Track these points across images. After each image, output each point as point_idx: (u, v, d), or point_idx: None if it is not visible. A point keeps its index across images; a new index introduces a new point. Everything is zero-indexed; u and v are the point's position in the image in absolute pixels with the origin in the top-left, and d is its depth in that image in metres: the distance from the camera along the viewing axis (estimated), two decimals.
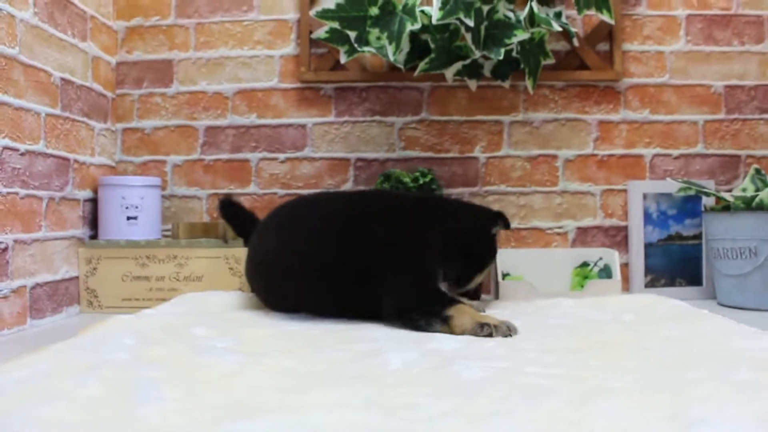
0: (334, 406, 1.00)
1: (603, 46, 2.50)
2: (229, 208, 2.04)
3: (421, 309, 1.59)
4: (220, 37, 2.56)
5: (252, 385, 1.16)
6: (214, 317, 1.81)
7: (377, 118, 2.48)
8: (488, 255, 1.89)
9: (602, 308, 1.99)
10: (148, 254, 2.20)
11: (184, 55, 2.57)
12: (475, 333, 1.52)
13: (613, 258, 2.34)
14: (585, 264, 2.42)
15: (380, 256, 1.68)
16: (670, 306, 1.96)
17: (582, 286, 2.38)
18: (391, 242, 1.70)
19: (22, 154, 1.98)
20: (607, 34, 2.48)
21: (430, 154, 2.46)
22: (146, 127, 2.58)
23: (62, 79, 2.20)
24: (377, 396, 1.06)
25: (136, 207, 2.29)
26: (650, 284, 2.44)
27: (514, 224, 2.49)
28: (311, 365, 1.28)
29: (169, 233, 2.43)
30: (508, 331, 1.53)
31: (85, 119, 2.34)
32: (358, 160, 2.50)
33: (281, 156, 2.52)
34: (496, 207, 2.50)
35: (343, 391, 1.10)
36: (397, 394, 1.07)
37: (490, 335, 1.50)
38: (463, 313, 1.57)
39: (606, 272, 2.39)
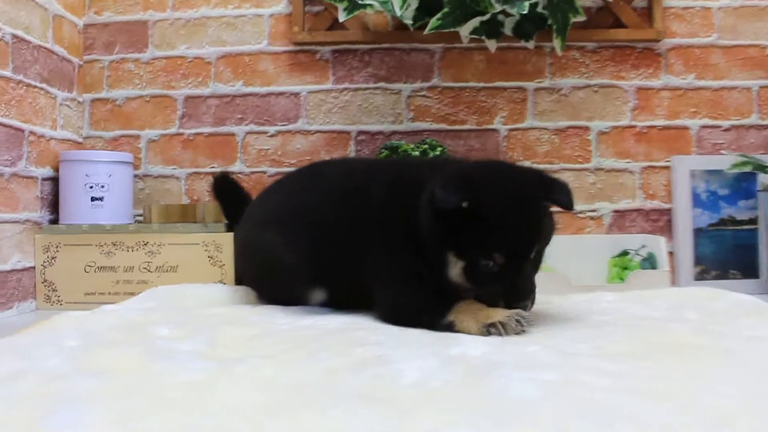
0: None
1: (640, 2, 2.19)
2: (225, 185, 1.71)
3: (414, 321, 1.28)
4: None
5: (217, 403, 0.84)
6: (185, 314, 1.49)
7: (382, 84, 2.20)
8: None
9: (652, 303, 1.69)
10: (114, 241, 1.88)
11: (161, 16, 2.26)
12: (483, 335, 1.21)
13: (659, 245, 2.02)
14: (624, 252, 2.10)
15: (366, 242, 1.36)
16: (735, 301, 1.67)
17: (622, 278, 2.06)
18: (376, 224, 1.36)
19: None
20: None
21: (442, 125, 2.15)
22: (117, 97, 2.26)
23: (13, 36, 1.88)
24: (390, 423, 0.74)
25: (102, 186, 1.97)
26: (699, 276, 2.11)
27: None
28: (300, 376, 0.96)
29: (141, 219, 2.10)
30: (519, 326, 1.22)
31: (44, 86, 2.02)
32: (360, 133, 2.19)
33: (271, 129, 2.21)
34: None
35: (341, 414, 0.78)
36: (418, 420, 0.75)
37: (499, 335, 1.21)
38: (464, 315, 1.26)
39: (650, 262, 2.07)
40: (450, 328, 1.25)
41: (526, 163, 2.19)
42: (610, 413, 0.79)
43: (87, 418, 0.79)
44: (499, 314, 1.23)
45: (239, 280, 1.83)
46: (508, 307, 1.20)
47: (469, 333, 1.23)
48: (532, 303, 1.28)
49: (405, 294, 1.33)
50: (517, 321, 1.21)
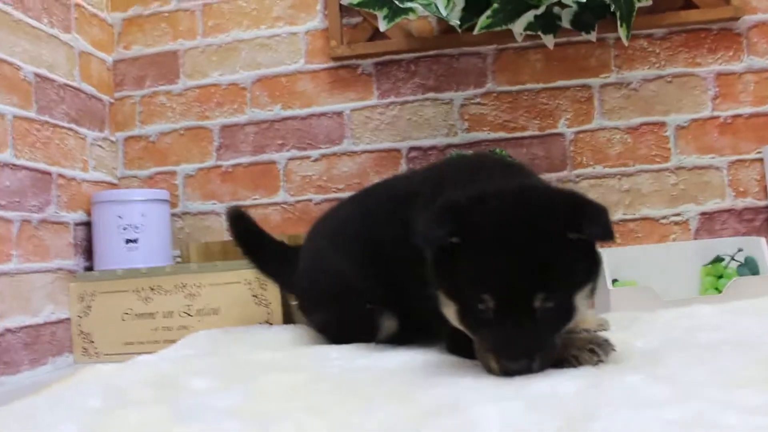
0: None
1: None
2: (240, 219, 1.54)
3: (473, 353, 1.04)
4: (231, 18, 2.14)
5: None
6: (224, 361, 1.32)
7: (431, 95, 2.04)
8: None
9: (764, 315, 1.43)
10: (152, 285, 1.74)
11: (191, 44, 2.15)
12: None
13: (760, 247, 1.77)
14: (718, 259, 1.86)
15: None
16: None
17: (718, 289, 1.80)
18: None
19: None
20: None
21: (501, 134, 1.98)
22: (151, 133, 2.14)
23: (36, 75, 1.77)
24: None
25: (136, 228, 1.83)
26: None
27: (618, 215, 1.93)
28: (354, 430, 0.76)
29: (180, 260, 1.95)
30: (594, 357, 1.01)
31: (72, 126, 1.91)
32: (412, 149, 2.02)
33: (314, 153, 2.06)
34: (592, 194, 1.94)
35: None
36: None
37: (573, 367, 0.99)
38: None
39: (749, 268, 1.81)
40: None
41: (598, 168, 1.97)
42: None
43: None
44: (572, 345, 1.01)
45: (288, 319, 1.65)
46: (502, 367, 0.95)
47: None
48: (575, 361, 0.98)
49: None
50: (592, 351, 1.00)
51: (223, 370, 1.21)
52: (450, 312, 1.02)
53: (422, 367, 1.13)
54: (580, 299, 0.98)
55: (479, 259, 0.95)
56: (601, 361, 0.99)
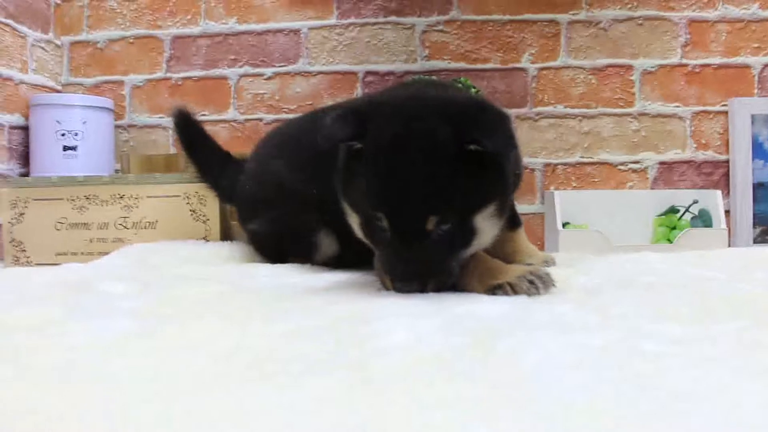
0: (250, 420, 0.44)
1: None
2: (186, 119, 1.47)
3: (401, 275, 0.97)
4: None
5: (108, 370, 0.59)
6: (151, 272, 1.25)
7: (392, 18, 1.97)
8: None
9: (710, 265, 1.41)
10: (87, 194, 1.65)
11: None
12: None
13: (715, 200, 1.75)
14: (673, 210, 1.84)
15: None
16: None
17: (669, 239, 1.78)
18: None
19: None
20: None
21: (462, 64, 1.91)
22: (99, 39, 2.03)
23: None
24: (355, 406, 0.49)
25: (76, 134, 1.74)
26: (760, 238, 1.83)
27: (575, 157, 1.88)
28: (242, 340, 0.71)
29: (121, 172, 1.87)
30: (532, 287, 0.94)
31: (10, 22, 1.79)
32: (368, 73, 1.94)
33: (268, 71, 1.98)
34: (551, 134, 1.90)
35: (279, 390, 0.53)
36: (396, 396, 0.50)
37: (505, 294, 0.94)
38: (468, 275, 0.97)
39: (702, 221, 1.80)
40: (452, 289, 0.99)
41: (560, 107, 1.91)
42: (686, 390, 0.53)
43: None
44: (510, 273, 0.96)
45: (226, 236, 1.59)
46: (395, 287, 0.91)
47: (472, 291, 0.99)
48: (513, 288, 0.92)
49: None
50: (530, 282, 0.94)
51: (144, 279, 1.16)
52: (354, 224, 0.98)
53: (348, 285, 1.08)
54: (483, 220, 0.92)
55: (374, 174, 0.90)
56: (537, 293, 0.95)
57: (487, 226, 0.94)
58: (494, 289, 0.95)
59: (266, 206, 1.31)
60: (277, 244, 1.29)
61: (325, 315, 0.82)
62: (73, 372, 0.61)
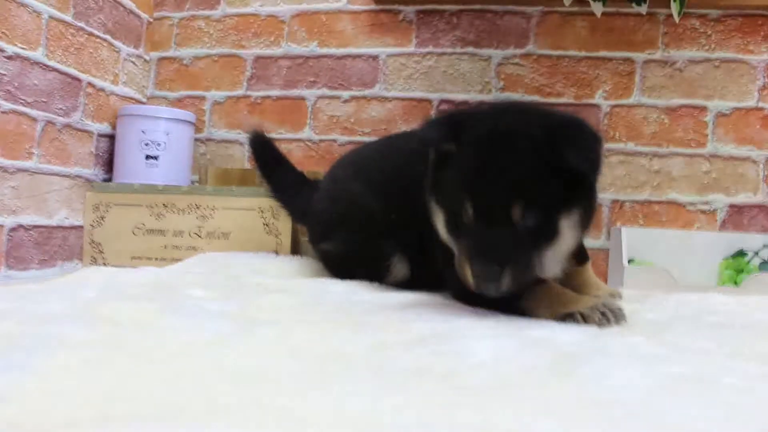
0: (358, 420, 0.47)
1: None
2: (261, 140, 1.53)
3: (486, 299, 1.01)
4: None
5: (214, 366, 0.63)
6: (228, 280, 1.30)
7: (470, 49, 1.99)
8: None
9: None
10: (166, 202, 1.73)
11: None
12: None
13: None
14: (741, 253, 1.80)
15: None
16: None
17: (736, 282, 1.75)
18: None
19: (9, 57, 1.53)
20: None
21: (536, 97, 1.91)
22: (185, 56, 2.12)
23: None
24: (445, 407, 0.52)
25: (159, 145, 1.82)
26: None
27: (644, 195, 1.88)
28: (339, 346, 0.74)
29: (198, 183, 1.95)
30: (603, 319, 0.97)
31: (107, 37, 1.89)
32: (443, 102, 1.97)
33: (345, 94, 2.02)
34: (620, 171, 1.90)
35: (378, 392, 0.56)
36: (486, 406, 0.53)
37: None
38: (539, 303, 1.01)
39: None
40: (523, 314, 1.00)
41: (630, 145, 1.91)
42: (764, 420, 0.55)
43: (36, 362, 0.61)
44: (581, 303, 0.99)
45: (296, 251, 1.64)
46: (474, 272, 0.92)
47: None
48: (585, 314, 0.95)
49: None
50: (602, 314, 0.96)
51: (223, 286, 1.21)
52: (439, 222, 1.02)
53: (423, 305, 1.11)
54: (566, 223, 0.95)
55: (465, 166, 0.95)
56: (609, 325, 0.96)
57: (569, 232, 0.96)
58: (565, 317, 0.97)
59: (341, 227, 1.34)
60: (350, 265, 1.31)
61: (406, 332, 0.85)
62: (182, 365, 0.65)
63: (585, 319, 0.96)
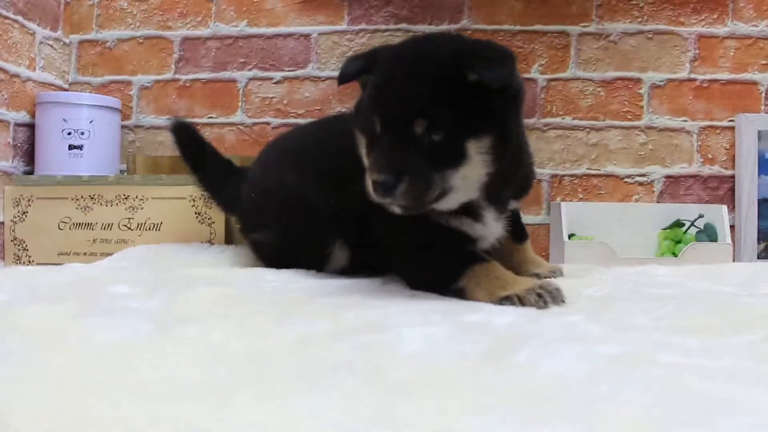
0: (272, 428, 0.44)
1: None
2: (184, 130, 1.45)
3: (423, 282, 1.06)
4: None
5: (130, 372, 0.59)
6: (156, 274, 1.24)
7: (403, 26, 1.96)
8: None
9: (718, 278, 1.40)
10: (92, 194, 1.65)
11: None
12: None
13: (720, 215, 1.74)
14: (678, 224, 1.83)
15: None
16: None
17: (674, 253, 1.78)
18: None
19: None
20: None
21: None
22: (108, 38, 2.02)
23: None
24: (374, 406, 0.49)
25: (82, 133, 1.74)
26: (764, 254, 1.83)
27: (582, 169, 1.88)
28: (261, 343, 0.70)
29: (126, 173, 1.87)
30: (540, 301, 0.96)
31: (19, 18, 1.78)
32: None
33: (277, 75, 1.97)
34: (558, 145, 1.90)
35: (300, 393, 0.52)
36: (415, 402, 0.50)
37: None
38: (477, 283, 1.00)
39: (707, 235, 1.79)
40: (461, 294, 1.00)
41: (567, 119, 1.91)
42: (704, 401, 0.53)
43: None
44: (519, 285, 0.98)
45: (230, 240, 1.59)
46: (372, 183, 0.92)
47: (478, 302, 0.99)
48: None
49: (414, 250, 1.09)
50: (539, 295, 0.95)
51: (150, 281, 1.15)
52: (361, 149, 1.01)
53: (358, 291, 1.08)
54: (475, 150, 0.94)
55: (374, 87, 0.96)
56: (546, 306, 0.95)
57: (478, 159, 0.95)
58: (502, 300, 0.96)
59: (275, 216, 1.29)
60: (287, 255, 1.27)
61: (337, 322, 0.82)
62: (85, 374, 0.61)
63: (522, 301, 0.95)
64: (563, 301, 0.96)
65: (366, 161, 1.00)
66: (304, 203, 1.24)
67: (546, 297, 0.94)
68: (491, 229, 1.09)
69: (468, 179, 0.96)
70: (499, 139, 0.96)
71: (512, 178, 1.08)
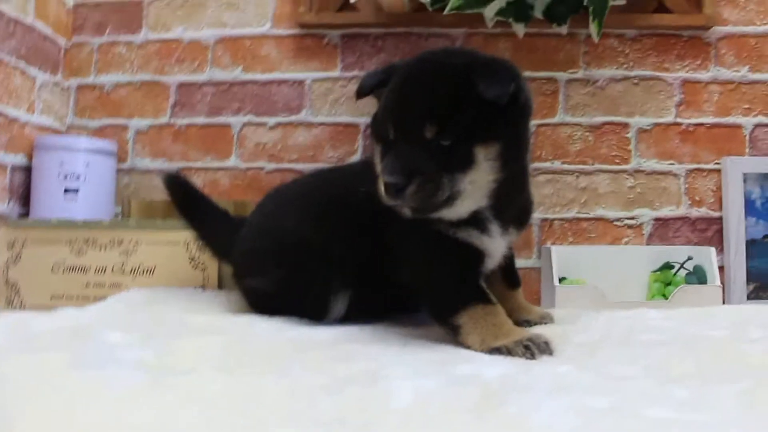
0: None
1: None
2: (176, 182, 1.47)
3: (434, 310, 1.10)
4: None
5: (126, 425, 0.60)
6: (149, 320, 1.25)
7: None
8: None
9: (707, 322, 1.41)
10: (86, 238, 1.66)
11: None
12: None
13: (709, 257, 1.76)
14: (667, 266, 1.85)
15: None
16: None
17: (665, 295, 1.80)
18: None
19: None
20: None
21: None
22: (106, 83, 2.06)
23: None
24: None
25: (78, 177, 1.76)
26: (754, 294, 1.84)
27: (572, 213, 1.91)
28: (256, 394, 0.71)
29: (121, 216, 1.88)
30: (527, 353, 0.99)
31: (21, 64, 1.82)
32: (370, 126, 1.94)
33: (271, 120, 2.00)
34: (548, 189, 1.93)
35: None
36: None
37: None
38: (473, 326, 1.03)
39: (697, 277, 1.80)
40: (455, 332, 1.02)
41: (557, 163, 1.94)
42: None
43: None
44: (510, 336, 1.00)
45: (224, 285, 1.60)
46: (384, 185, 0.96)
47: (471, 348, 1.01)
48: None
49: (425, 270, 1.11)
50: (526, 347, 0.98)
51: (144, 328, 1.16)
52: (377, 158, 1.04)
53: (352, 341, 1.09)
54: (483, 156, 0.97)
55: (388, 95, 1.01)
56: (533, 358, 0.97)
57: (486, 164, 0.98)
58: (492, 351, 0.98)
59: (274, 263, 1.27)
60: (283, 303, 1.25)
61: (329, 373, 0.83)
62: (87, 427, 0.62)
63: (511, 352, 0.97)
64: (551, 353, 0.98)
65: (378, 164, 1.04)
66: (306, 251, 1.23)
67: (533, 349, 0.96)
68: (497, 243, 1.11)
69: (476, 184, 1.00)
70: (506, 146, 0.99)
71: (517, 192, 1.12)
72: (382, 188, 0.97)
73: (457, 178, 0.97)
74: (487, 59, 1.03)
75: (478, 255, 1.10)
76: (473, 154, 0.97)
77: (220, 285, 1.60)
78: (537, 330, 1.19)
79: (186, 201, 1.45)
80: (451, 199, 0.98)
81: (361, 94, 1.07)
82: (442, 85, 0.97)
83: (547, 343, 0.98)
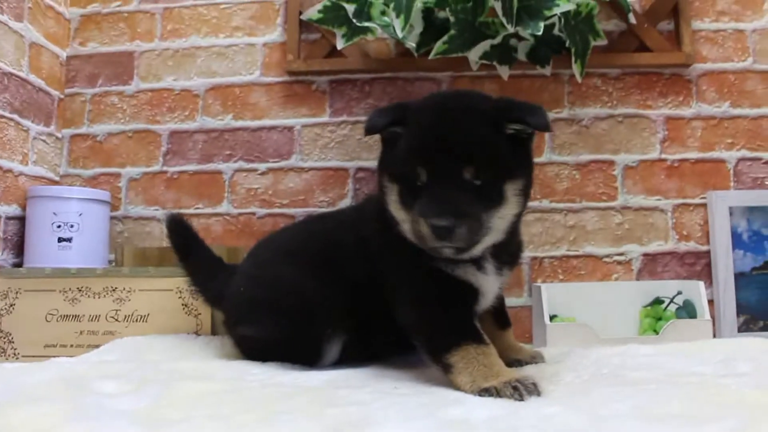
0: None
1: (667, 25, 2.00)
2: (180, 224, 1.48)
3: (427, 347, 1.10)
4: (191, 24, 2.10)
5: None
6: (143, 368, 1.25)
7: None
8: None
9: (697, 357, 1.43)
10: (80, 286, 1.67)
11: (148, 46, 2.11)
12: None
13: (699, 291, 1.77)
14: (657, 301, 1.86)
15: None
16: None
17: (656, 330, 1.81)
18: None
19: None
20: (671, 9, 1.99)
21: None
22: (98, 133, 2.09)
23: None
24: None
25: (72, 226, 1.77)
26: (744, 327, 1.86)
27: (561, 251, 1.93)
28: None
29: (114, 264, 1.90)
30: (515, 393, 1.00)
31: (14, 117, 1.85)
32: (360, 170, 1.99)
33: (262, 166, 2.02)
34: (537, 228, 1.95)
35: None
36: None
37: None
38: (464, 366, 1.04)
39: (687, 311, 1.82)
40: (446, 370, 1.04)
41: (545, 202, 1.97)
42: None
43: None
44: (499, 378, 1.01)
45: (217, 331, 1.60)
46: (431, 227, 0.98)
47: (460, 389, 1.02)
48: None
49: (420, 306, 1.12)
50: (515, 388, 0.99)
51: (138, 376, 1.16)
52: (392, 197, 1.07)
53: (341, 386, 1.09)
54: (511, 192, 1.03)
55: (418, 138, 1.03)
56: (521, 399, 0.98)
57: (514, 199, 1.04)
58: (481, 392, 0.99)
59: (266, 311, 1.28)
60: (276, 350, 1.26)
61: (319, 420, 0.84)
62: None
63: (499, 393, 0.98)
64: (539, 394, 0.99)
65: (398, 208, 1.07)
66: (298, 298, 1.24)
67: (522, 390, 0.97)
68: (492, 281, 1.13)
69: (503, 219, 1.05)
70: (527, 180, 1.06)
71: (513, 231, 1.14)
72: (422, 230, 0.99)
73: (492, 215, 1.02)
74: (510, 98, 1.09)
75: (473, 293, 1.12)
76: (504, 191, 1.02)
77: (214, 330, 1.61)
78: (527, 370, 1.20)
79: (184, 245, 1.47)
80: (483, 236, 1.02)
81: (371, 131, 1.10)
82: (477, 127, 1.01)
83: (535, 384, 1.00)
